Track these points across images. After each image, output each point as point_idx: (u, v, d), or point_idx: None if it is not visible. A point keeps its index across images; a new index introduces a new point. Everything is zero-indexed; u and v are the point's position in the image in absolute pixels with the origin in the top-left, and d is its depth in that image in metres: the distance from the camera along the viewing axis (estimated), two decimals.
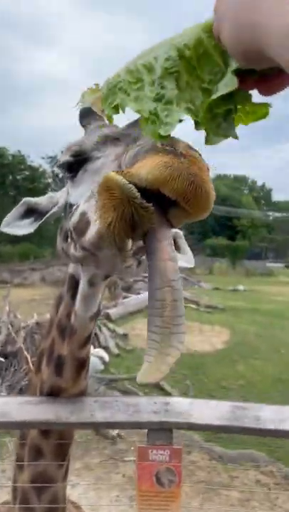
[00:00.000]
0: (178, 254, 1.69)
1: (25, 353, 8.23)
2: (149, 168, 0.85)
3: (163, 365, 0.88)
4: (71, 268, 1.51)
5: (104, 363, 9.48)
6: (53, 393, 1.57)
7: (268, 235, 61.24)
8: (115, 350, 10.58)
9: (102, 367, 9.25)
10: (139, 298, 17.28)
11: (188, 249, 1.74)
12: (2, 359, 8.11)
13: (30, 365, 7.97)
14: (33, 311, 11.86)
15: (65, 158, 1.29)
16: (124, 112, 0.73)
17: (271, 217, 70.02)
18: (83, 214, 1.19)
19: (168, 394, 8.17)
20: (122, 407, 1.50)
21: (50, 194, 1.69)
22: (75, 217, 1.23)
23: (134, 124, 1.06)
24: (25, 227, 1.57)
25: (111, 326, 12.51)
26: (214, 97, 0.62)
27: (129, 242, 1.04)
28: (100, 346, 10.52)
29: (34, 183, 42.80)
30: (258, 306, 19.52)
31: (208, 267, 39.76)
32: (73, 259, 1.36)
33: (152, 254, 0.93)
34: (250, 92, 0.66)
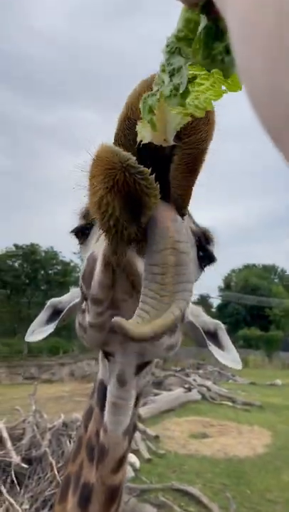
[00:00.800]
0: (221, 352, 1.53)
1: (51, 458, 7.65)
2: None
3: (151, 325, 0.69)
4: (100, 373, 1.36)
5: (134, 469, 8.66)
6: None
7: None
8: (146, 455, 9.71)
9: (132, 474, 8.43)
10: (172, 395, 16.38)
11: (232, 346, 1.55)
12: (25, 465, 7.53)
13: (56, 471, 7.36)
14: (61, 408, 11.36)
15: (77, 223, 1.25)
16: (156, 108, 0.74)
17: None
18: (91, 254, 1.08)
19: (206, 508, 7.27)
20: None
21: (73, 289, 1.66)
22: (82, 267, 1.13)
23: None
24: (47, 331, 1.55)
25: (141, 426, 11.63)
26: (197, 35, 0.66)
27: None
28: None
29: (66, 277, 43.91)
30: None
31: (242, 359, 37.57)
32: (90, 333, 1.16)
33: (151, 223, 0.77)
34: None
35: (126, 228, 0.78)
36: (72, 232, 1.28)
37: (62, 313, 1.56)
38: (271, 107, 0.37)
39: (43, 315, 1.62)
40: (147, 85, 0.77)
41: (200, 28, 0.66)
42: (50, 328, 1.56)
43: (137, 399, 1.33)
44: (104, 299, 1.03)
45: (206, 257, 1.27)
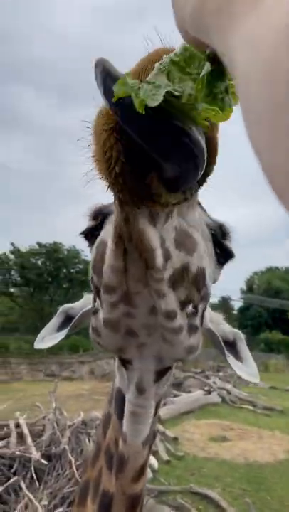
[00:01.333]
0: (239, 363, 1.46)
1: (70, 455, 7.69)
2: None
3: None
4: (117, 381, 1.32)
5: (153, 470, 8.63)
6: None
7: None
8: (165, 456, 9.66)
9: (150, 475, 8.40)
10: (191, 397, 16.27)
11: (251, 358, 1.49)
12: (45, 462, 7.59)
13: (74, 469, 7.39)
14: (80, 406, 11.44)
15: (87, 223, 1.23)
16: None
17: None
18: (100, 240, 1.07)
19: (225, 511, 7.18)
20: None
21: (86, 296, 1.62)
22: (92, 257, 1.12)
23: None
24: (58, 337, 1.53)
25: (160, 427, 11.56)
26: (200, 76, 0.70)
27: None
28: None
29: (87, 275, 44.00)
30: None
31: (263, 363, 37.50)
32: (105, 333, 1.11)
33: None
34: None
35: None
36: (81, 234, 1.25)
37: (74, 320, 1.53)
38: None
39: (54, 321, 1.59)
40: (149, 62, 0.75)
41: (204, 70, 0.70)
42: (61, 334, 1.53)
43: (157, 407, 1.29)
44: (117, 285, 0.98)
45: (223, 254, 1.23)
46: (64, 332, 1.53)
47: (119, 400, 1.29)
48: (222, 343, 1.43)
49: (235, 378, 24.64)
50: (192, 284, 1.03)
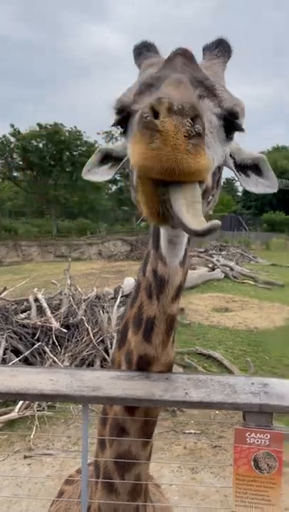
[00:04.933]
0: (260, 179, 1.54)
1: (86, 324, 8.42)
2: (132, 160, 0.91)
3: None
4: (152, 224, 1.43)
5: None
6: (142, 364, 1.50)
7: None
8: None
9: None
10: (195, 273, 17.12)
11: (271, 174, 1.56)
12: (65, 330, 8.35)
13: (91, 336, 8.17)
14: (91, 284, 12.13)
15: (113, 117, 1.32)
16: None
17: None
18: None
19: (227, 370, 8.09)
20: (218, 386, 1.40)
21: (124, 140, 1.64)
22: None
23: (166, 64, 1.05)
24: (103, 174, 1.60)
25: None
26: None
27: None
28: None
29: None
30: None
31: (265, 242, 38.66)
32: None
33: None
34: None
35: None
36: (113, 126, 1.34)
37: (121, 164, 1.58)
38: None
39: (95, 156, 1.62)
40: None
41: None
42: (109, 173, 1.59)
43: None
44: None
45: (231, 127, 1.27)
46: (111, 173, 1.60)
47: (156, 234, 1.42)
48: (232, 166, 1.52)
49: (238, 257, 25.62)
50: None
